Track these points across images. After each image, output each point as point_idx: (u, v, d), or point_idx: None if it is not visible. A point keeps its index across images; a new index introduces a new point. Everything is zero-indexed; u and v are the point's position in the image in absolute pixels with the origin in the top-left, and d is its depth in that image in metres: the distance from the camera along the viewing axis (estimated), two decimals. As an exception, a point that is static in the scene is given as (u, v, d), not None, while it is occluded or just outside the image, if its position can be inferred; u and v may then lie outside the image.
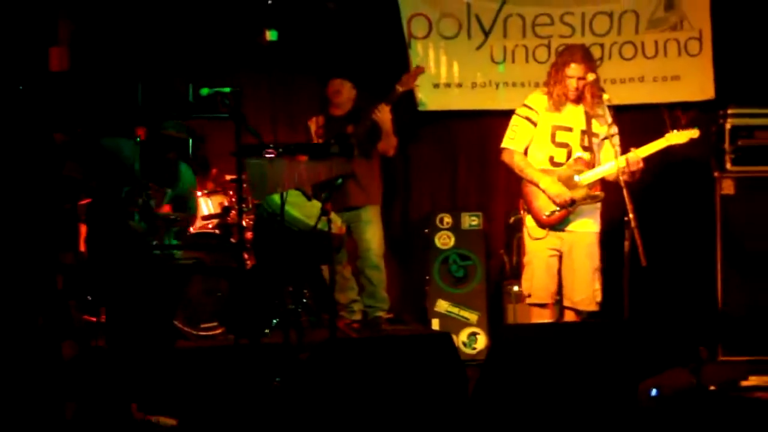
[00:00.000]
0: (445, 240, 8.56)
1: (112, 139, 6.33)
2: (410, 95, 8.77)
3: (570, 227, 6.99)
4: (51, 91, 6.28)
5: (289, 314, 7.14)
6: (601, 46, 8.90)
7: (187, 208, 7.12)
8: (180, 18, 8.63)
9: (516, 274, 8.42)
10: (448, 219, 8.58)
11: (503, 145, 7.18)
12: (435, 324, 8.39)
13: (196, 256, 6.90)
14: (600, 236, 7.08)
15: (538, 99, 7.13)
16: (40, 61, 6.46)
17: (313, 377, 5.62)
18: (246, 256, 7.71)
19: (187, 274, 6.69)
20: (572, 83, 6.97)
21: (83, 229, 7.64)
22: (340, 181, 6.90)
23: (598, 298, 6.98)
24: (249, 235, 7.72)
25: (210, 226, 7.98)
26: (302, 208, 7.14)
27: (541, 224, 7.00)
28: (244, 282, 7.20)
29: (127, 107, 6.35)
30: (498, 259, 8.83)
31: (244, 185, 6.85)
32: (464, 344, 8.30)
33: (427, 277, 8.54)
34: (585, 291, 6.98)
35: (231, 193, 8.07)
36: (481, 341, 8.33)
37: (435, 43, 9.00)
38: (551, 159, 7.05)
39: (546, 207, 6.94)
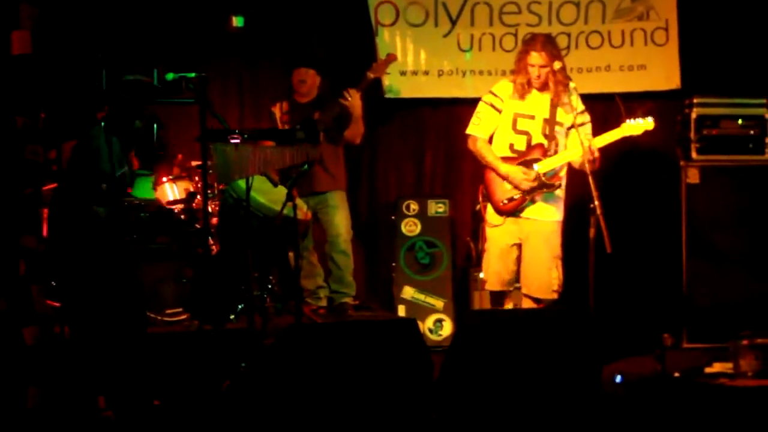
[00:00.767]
0: (411, 227, 8.55)
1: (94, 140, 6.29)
2: (378, 82, 8.76)
3: (529, 215, 7.04)
4: (13, 75, 6.21)
5: (255, 300, 7.11)
6: (568, 35, 8.92)
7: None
8: (146, 2, 8.58)
9: (482, 260, 8.43)
10: (414, 206, 8.58)
11: (468, 131, 7.23)
12: (401, 310, 8.39)
13: (161, 242, 6.85)
14: (562, 225, 7.11)
15: (504, 86, 7.17)
16: (2, 45, 6.39)
17: (278, 363, 5.60)
18: (211, 241, 7.68)
19: (149, 260, 6.64)
20: (534, 71, 7.01)
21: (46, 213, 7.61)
22: (306, 167, 6.87)
23: (555, 287, 7.01)
24: (214, 220, 7.70)
25: (175, 211, 7.94)
26: (268, 194, 7.12)
27: (499, 211, 7.05)
28: (209, 268, 7.18)
29: (90, 91, 6.28)
30: (464, 246, 8.84)
31: (210, 171, 6.82)
32: (430, 330, 8.30)
33: (394, 264, 8.53)
34: (541, 279, 7.03)
35: (196, 178, 8.03)
36: (447, 328, 8.33)
37: (402, 30, 8.99)
38: (511, 146, 7.11)
39: (504, 194, 6.98)
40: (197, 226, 7.69)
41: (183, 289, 7.57)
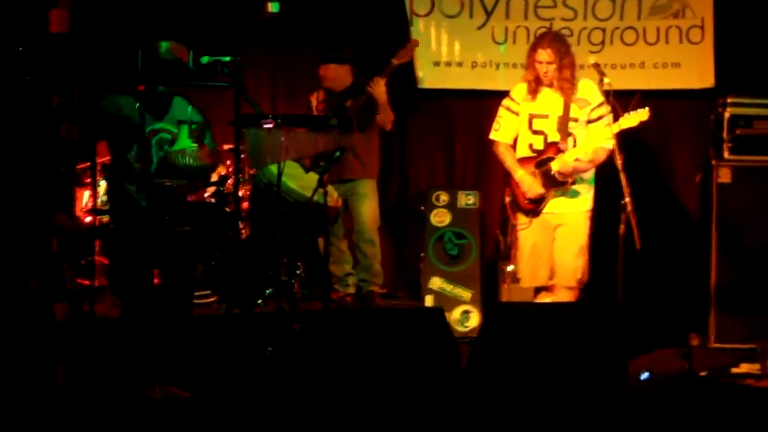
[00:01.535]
0: (440, 218, 8.55)
1: (109, 100, 6.29)
2: (410, 72, 8.77)
3: (554, 209, 7.09)
4: (50, 54, 6.24)
5: (283, 285, 7.13)
6: (603, 30, 8.89)
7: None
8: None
9: (510, 253, 8.44)
10: (444, 197, 8.57)
11: (490, 136, 7.40)
12: (428, 301, 8.38)
13: (192, 225, 6.86)
14: (591, 214, 7.11)
15: (519, 89, 7.29)
16: (40, 24, 6.42)
17: (304, 348, 5.62)
18: (241, 225, 7.70)
19: (182, 242, 6.64)
20: (541, 68, 7.09)
21: (80, 193, 7.65)
22: (338, 154, 6.88)
23: (579, 275, 7.04)
24: (245, 205, 7.71)
25: (206, 194, 7.96)
26: (299, 180, 7.14)
27: (524, 212, 7.09)
28: (238, 252, 7.20)
29: (126, 72, 6.30)
30: (493, 239, 8.83)
31: (242, 155, 6.83)
32: (457, 322, 8.29)
33: (422, 254, 8.53)
34: (566, 268, 7.09)
35: (228, 162, 8.05)
36: (474, 319, 8.32)
37: (437, 21, 8.98)
38: (530, 146, 7.19)
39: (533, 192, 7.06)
40: (228, 209, 7.71)
41: (212, 272, 7.60)
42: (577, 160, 6.97)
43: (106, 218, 6.49)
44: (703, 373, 6.86)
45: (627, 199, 6.46)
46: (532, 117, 7.15)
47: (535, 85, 7.15)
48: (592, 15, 8.94)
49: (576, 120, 7.05)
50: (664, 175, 8.81)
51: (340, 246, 8.17)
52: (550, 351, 5.67)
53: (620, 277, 6.59)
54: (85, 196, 7.75)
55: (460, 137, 9.25)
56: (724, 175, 8.09)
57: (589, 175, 7.15)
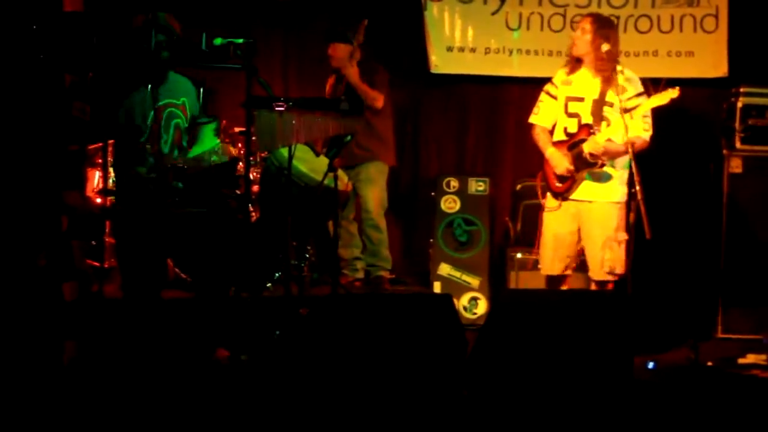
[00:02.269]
0: (450, 204, 8.54)
1: (128, 103, 6.31)
2: (424, 57, 8.77)
3: (584, 196, 7.00)
4: (64, 32, 6.24)
5: (292, 269, 7.14)
6: (617, 18, 8.83)
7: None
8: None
9: (519, 241, 8.44)
10: (454, 183, 8.56)
11: (529, 120, 7.33)
12: (437, 287, 8.38)
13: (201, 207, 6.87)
14: (622, 207, 7.02)
15: (560, 73, 7.22)
16: (54, 2, 6.43)
17: (312, 332, 5.63)
18: (251, 208, 7.71)
19: (191, 224, 6.65)
20: (575, 35, 7.12)
21: (91, 173, 7.66)
22: (349, 138, 6.90)
23: (608, 268, 6.93)
24: (255, 188, 7.72)
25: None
26: (310, 163, 7.14)
27: (555, 194, 7.05)
28: (248, 235, 7.20)
29: (138, 52, 6.31)
30: (502, 226, 8.84)
31: (253, 137, 6.84)
32: (465, 308, 8.29)
33: (431, 240, 8.53)
34: (595, 260, 6.99)
35: (239, 144, 8.06)
36: (482, 306, 8.32)
37: (451, 6, 8.98)
38: (565, 130, 7.11)
39: (562, 168, 7.02)
40: (238, 192, 7.72)
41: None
42: (609, 140, 6.90)
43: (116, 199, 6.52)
44: (709, 364, 6.87)
45: (637, 188, 6.44)
46: (568, 100, 7.08)
47: (572, 64, 7.12)
48: (606, 2, 8.93)
49: (611, 105, 6.97)
50: (675, 164, 8.78)
51: (349, 229, 8.19)
52: (556, 339, 5.66)
53: (630, 266, 6.60)
54: (97, 176, 7.76)
55: (472, 123, 9.25)
56: (736, 165, 8.07)
57: (622, 165, 7.03)
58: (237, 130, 8.16)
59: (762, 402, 6.05)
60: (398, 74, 8.52)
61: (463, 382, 5.63)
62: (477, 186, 8.56)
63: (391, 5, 8.95)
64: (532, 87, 8.37)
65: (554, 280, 7.20)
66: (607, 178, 6.95)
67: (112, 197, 6.58)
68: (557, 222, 7.09)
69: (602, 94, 6.95)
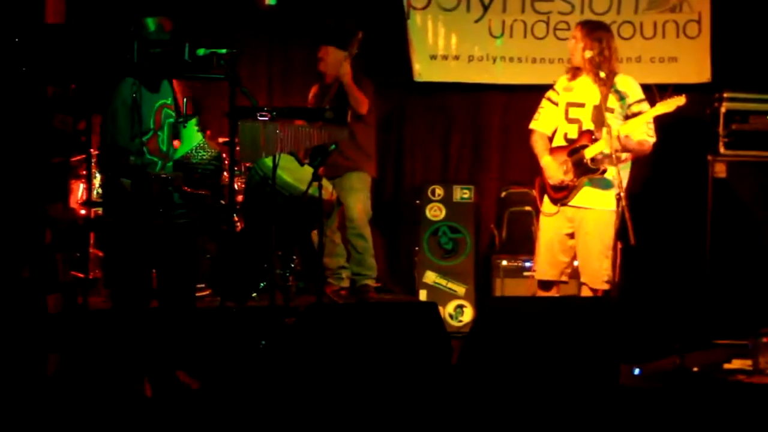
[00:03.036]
0: (435, 212, 8.55)
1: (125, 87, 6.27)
2: (407, 65, 8.77)
3: (582, 203, 7.00)
4: (46, 44, 6.23)
5: (277, 278, 7.13)
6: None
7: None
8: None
9: (505, 248, 8.45)
10: (439, 191, 8.58)
11: (530, 126, 7.32)
12: (422, 295, 8.39)
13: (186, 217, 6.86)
14: (618, 215, 6.99)
15: (561, 79, 7.26)
16: (36, 14, 6.41)
17: (298, 342, 5.62)
18: (236, 218, 7.70)
19: (178, 234, 6.64)
20: (569, 44, 7.17)
21: (75, 185, 7.63)
22: (333, 147, 6.88)
23: (605, 277, 6.89)
24: (240, 197, 7.72)
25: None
26: (294, 173, 7.13)
27: (553, 200, 7.05)
28: (233, 244, 7.19)
29: (122, 63, 6.29)
30: (488, 233, 8.85)
31: (237, 147, 6.83)
32: (451, 316, 8.30)
33: (417, 248, 8.54)
34: (592, 268, 6.98)
35: (224, 155, 8.04)
36: (468, 314, 8.33)
37: (434, 14, 8.98)
38: (565, 135, 7.13)
39: (556, 178, 7.02)
40: (223, 202, 7.72)
41: (206, 265, 7.61)
42: (626, 137, 6.87)
43: (101, 210, 6.49)
44: (695, 369, 6.88)
45: (621, 194, 6.46)
46: (568, 106, 7.10)
47: (573, 71, 7.15)
48: (590, 9, 8.94)
49: (612, 111, 6.98)
50: (659, 169, 8.79)
51: (333, 238, 8.16)
52: (541, 346, 5.65)
53: (616, 272, 6.61)
54: (81, 188, 7.74)
55: (457, 131, 9.25)
56: (720, 170, 8.12)
57: (623, 176, 7.01)
58: (221, 140, 8.14)
59: (747, 407, 6.06)
60: (382, 83, 8.51)
61: (449, 390, 5.62)
62: (462, 193, 8.57)
63: (375, 14, 8.95)
64: (516, 94, 8.44)
65: (546, 285, 7.20)
66: (607, 185, 6.94)
67: (97, 208, 6.56)
68: (554, 227, 7.09)
69: (603, 100, 6.94)
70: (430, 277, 8.45)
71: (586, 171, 6.91)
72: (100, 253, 7.45)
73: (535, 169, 7.21)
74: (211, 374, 6.12)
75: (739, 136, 8.13)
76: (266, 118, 6.41)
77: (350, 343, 5.53)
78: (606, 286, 6.92)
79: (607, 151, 6.78)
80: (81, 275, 6.93)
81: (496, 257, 8.41)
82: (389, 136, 9.00)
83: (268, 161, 6.68)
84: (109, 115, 6.05)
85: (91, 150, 6.60)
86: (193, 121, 6.36)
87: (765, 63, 8.81)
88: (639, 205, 6.83)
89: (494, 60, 9.00)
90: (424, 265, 8.49)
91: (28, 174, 6.08)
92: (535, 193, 7.29)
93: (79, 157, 7.55)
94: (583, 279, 7.06)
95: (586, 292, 7.04)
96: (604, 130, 6.85)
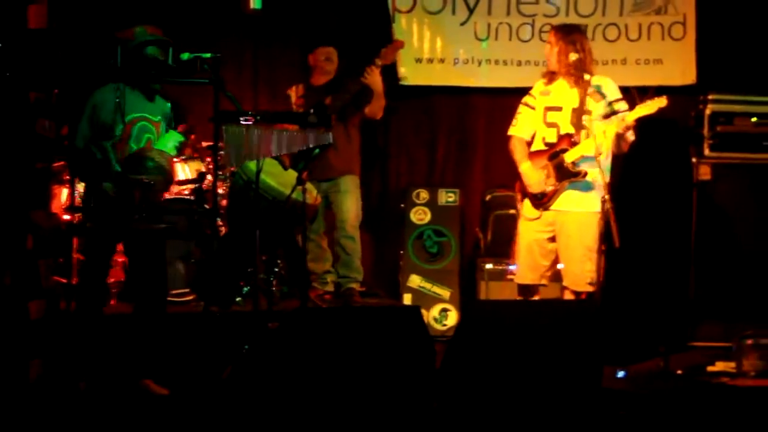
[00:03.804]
0: (420, 215, 8.56)
1: (100, 93, 6.26)
2: (392, 69, 8.75)
3: (564, 207, 6.99)
4: (28, 49, 6.22)
5: (261, 283, 7.12)
6: (585, 27, 8.86)
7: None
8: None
9: (490, 251, 8.44)
10: (424, 194, 8.58)
11: (508, 132, 7.32)
12: (407, 299, 8.40)
13: (170, 222, 6.85)
14: (600, 217, 6.96)
15: (538, 84, 7.26)
16: (18, 19, 6.40)
17: (281, 346, 5.61)
18: (220, 223, 7.70)
19: (160, 239, 6.63)
20: (545, 49, 7.22)
21: (58, 190, 7.62)
22: (317, 151, 6.88)
23: (589, 279, 6.85)
24: (224, 202, 7.71)
25: (185, 192, 7.95)
26: (278, 177, 7.13)
27: (534, 203, 7.04)
28: (217, 249, 7.19)
29: (105, 68, 6.28)
30: (473, 237, 8.84)
31: (221, 152, 6.83)
32: (435, 320, 8.30)
33: (401, 252, 8.54)
34: (574, 271, 6.96)
35: (208, 159, 8.03)
36: (452, 317, 8.33)
37: (419, 17, 8.97)
38: (543, 140, 7.13)
39: (537, 188, 7.00)
40: (206, 206, 7.71)
41: (191, 270, 7.60)
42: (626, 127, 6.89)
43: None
44: (679, 372, 6.89)
45: (606, 197, 6.47)
46: (546, 110, 7.10)
47: (550, 75, 7.16)
48: (575, 11, 8.94)
49: (590, 113, 6.98)
50: (643, 172, 8.79)
51: (320, 242, 8.14)
52: (525, 349, 5.66)
53: (600, 274, 6.62)
54: (64, 193, 7.72)
55: (442, 134, 9.23)
56: (704, 173, 8.13)
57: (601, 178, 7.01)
58: (205, 144, 8.14)
59: (731, 409, 6.06)
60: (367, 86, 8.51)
61: (433, 394, 5.62)
62: (447, 197, 8.58)
63: (359, 17, 8.95)
64: (502, 97, 8.43)
65: (526, 290, 7.19)
66: (587, 187, 6.94)
67: (80, 213, 6.54)
68: (534, 231, 7.08)
69: (581, 103, 6.95)
70: (414, 280, 8.45)
71: (567, 175, 6.91)
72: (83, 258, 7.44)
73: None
74: (186, 380, 6.12)
75: (724, 138, 8.15)
76: (250, 122, 6.40)
77: (334, 347, 5.53)
78: (590, 288, 6.88)
79: (587, 153, 6.80)
80: (64, 280, 6.93)
81: (481, 260, 8.41)
82: (375, 139, 8.99)
83: (252, 165, 6.68)
84: (74, 117, 6.06)
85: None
86: (176, 137, 6.37)
87: (750, 65, 8.82)
88: (623, 207, 6.81)
89: (480, 63, 8.99)
90: (408, 269, 8.49)
91: (10, 179, 6.06)
92: (515, 195, 7.29)
93: (61, 163, 7.54)
94: (565, 282, 7.04)
95: (568, 296, 7.02)
96: (583, 132, 6.87)
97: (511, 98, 7.57)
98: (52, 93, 6.52)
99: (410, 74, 8.98)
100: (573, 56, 6.94)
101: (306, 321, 5.74)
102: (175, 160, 6.47)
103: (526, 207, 7.13)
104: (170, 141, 6.36)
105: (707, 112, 8.15)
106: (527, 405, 5.57)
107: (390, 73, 8.80)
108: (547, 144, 7.07)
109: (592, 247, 6.85)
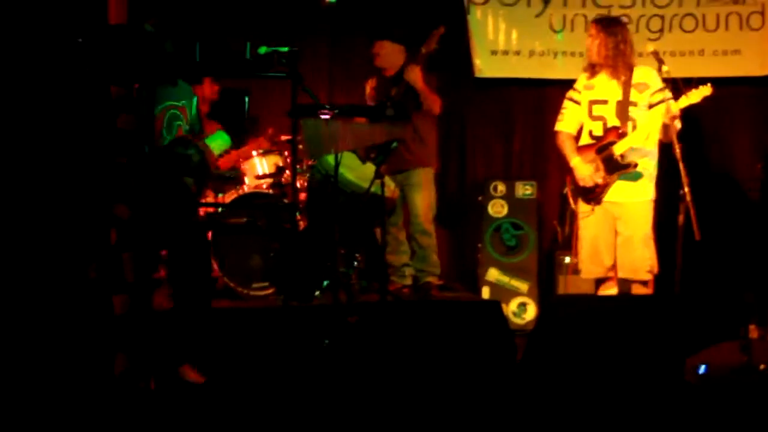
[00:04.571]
0: (498, 208, 8.53)
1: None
2: (468, 61, 8.74)
3: (616, 198, 7.01)
4: (109, 44, 6.27)
5: (340, 277, 7.14)
6: (662, 17, 8.82)
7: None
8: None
9: (568, 244, 8.40)
10: (502, 187, 8.56)
11: (555, 128, 7.32)
12: (485, 292, 8.38)
13: (249, 216, 6.90)
14: (654, 203, 7.01)
15: (581, 78, 7.26)
16: (99, 14, 6.46)
17: (361, 340, 5.63)
18: (299, 217, 7.72)
19: (239, 233, 6.68)
20: (587, 43, 7.18)
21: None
22: (395, 144, 6.87)
23: (647, 267, 6.92)
24: (302, 196, 7.73)
25: (264, 186, 7.99)
26: (356, 171, 7.14)
27: (586, 199, 7.03)
28: (296, 243, 7.21)
29: (184, 63, 6.32)
30: (551, 230, 8.81)
31: (299, 146, 6.85)
32: (514, 314, 8.28)
33: (479, 245, 8.52)
34: (633, 260, 6.97)
35: (286, 153, 8.07)
36: (531, 311, 8.30)
37: (494, 9, 8.96)
38: (590, 133, 7.14)
39: (588, 180, 7.00)
40: (285, 200, 7.74)
41: (270, 264, 7.64)
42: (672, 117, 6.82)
43: None
44: (762, 367, 6.80)
45: (686, 189, 6.42)
46: (591, 104, 7.11)
47: (591, 68, 7.13)
48: (651, 2, 8.88)
49: (635, 104, 6.97)
50: (723, 164, 8.73)
51: (397, 235, 8.14)
52: (606, 344, 5.64)
53: (679, 268, 6.55)
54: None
55: (518, 127, 9.23)
56: (784, 165, 8.05)
57: (652, 165, 7.02)
58: (283, 138, 8.17)
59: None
60: (443, 79, 8.46)
61: (513, 389, 5.62)
62: (524, 190, 8.55)
63: (434, 9, 8.92)
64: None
65: (597, 284, 7.19)
66: (638, 176, 6.95)
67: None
68: (594, 226, 7.10)
69: (625, 95, 6.95)
70: (492, 274, 8.43)
71: (617, 167, 6.93)
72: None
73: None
74: (275, 374, 6.15)
75: (805, 128, 8.07)
76: (328, 116, 6.42)
77: (413, 341, 5.55)
78: (649, 276, 6.95)
79: (635, 145, 6.79)
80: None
81: (559, 254, 8.38)
82: (451, 132, 8.99)
83: (330, 159, 6.69)
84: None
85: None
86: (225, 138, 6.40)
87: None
88: (704, 200, 6.75)
89: (555, 55, 8.97)
90: (486, 262, 8.47)
91: (93, 174, 6.11)
92: (568, 192, 7.27)
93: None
94: (621, 273, 7.05)
95: (635, 288, 7.02)
96: (629, 124, 6.85)
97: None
98: (132, 88, 6.56)
99: (485, 66, 8.98)
100: (615, 48, 6.93)
101: (386, 315, 5.75)
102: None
103: (580, 203, 7.15)
104: (218, 140, 6.39)
105: (787, 102, 8.07)
106: (609, 400, 5.54)
107: (466, 65, 8.79)
108: (594, 137, 7.08)
109: (649, 235, 6.96)
